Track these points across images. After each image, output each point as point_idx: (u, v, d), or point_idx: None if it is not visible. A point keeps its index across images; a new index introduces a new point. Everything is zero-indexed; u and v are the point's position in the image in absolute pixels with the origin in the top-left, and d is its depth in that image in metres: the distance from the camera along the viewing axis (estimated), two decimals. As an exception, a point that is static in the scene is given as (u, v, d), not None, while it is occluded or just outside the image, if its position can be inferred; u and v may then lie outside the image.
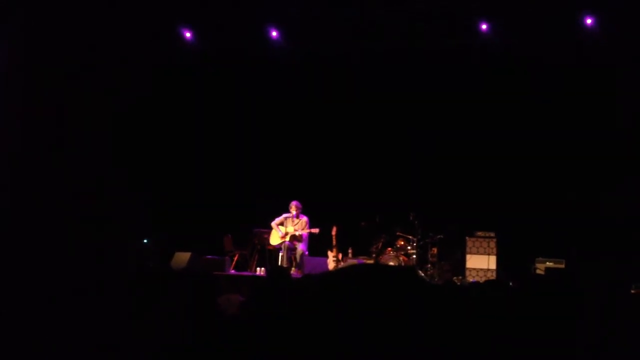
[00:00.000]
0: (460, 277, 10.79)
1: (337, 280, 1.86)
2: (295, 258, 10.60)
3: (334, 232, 10.44)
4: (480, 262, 10.89)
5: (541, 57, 11.20)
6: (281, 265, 10.27)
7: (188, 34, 12.23)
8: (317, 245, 10.89)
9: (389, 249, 10.86)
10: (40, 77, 10.89)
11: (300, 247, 10.62)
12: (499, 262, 10.82)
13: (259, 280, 9.88)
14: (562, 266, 10.17)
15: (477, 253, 10.96)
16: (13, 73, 10.64)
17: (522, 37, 11.03)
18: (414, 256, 10.77)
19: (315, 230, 10.55)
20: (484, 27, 11.16)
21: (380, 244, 10.95)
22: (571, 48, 10.95)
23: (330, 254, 10.46)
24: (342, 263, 10.33)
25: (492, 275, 10.63)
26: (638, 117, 10.69)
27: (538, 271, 10.08)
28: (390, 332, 1.76)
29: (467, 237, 11.07)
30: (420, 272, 10.54)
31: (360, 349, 1.71)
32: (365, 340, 1.75)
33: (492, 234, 11.00)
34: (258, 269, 10.96)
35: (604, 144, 10.92)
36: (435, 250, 10.91)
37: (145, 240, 11.41)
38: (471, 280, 10.61)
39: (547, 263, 10.27)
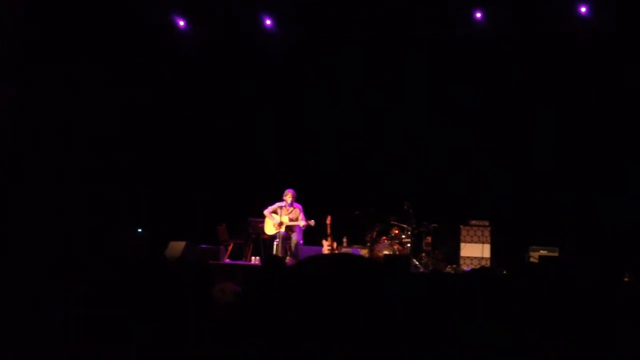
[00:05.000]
0: (454, 266, 10.83)
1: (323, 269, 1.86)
2: (290, 247, 10.59)
3: (328, 221, 10.44)
4: (475, 251, 10.92)
5: (536, 46, 11.21)
6: (276, 255, 10.27)
7: (181, 22, 12.19)
8: (312, 235, 10.89)
9: (384, 237, 10.88)
10: (34, 72, 10.83)
11: (295, 237, 10.62)
12: (493, 251, 10.86)
13: (254, 269, 9.89)
14: (556, 254, 10.21)
15: (472, 241, 10.99)
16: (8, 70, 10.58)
17: (517, 27, 11.03)
18: (409, 245, 10.79)
19: (311, 223, 10.54)
20: (478, 15, 11.16)
21: (375, 233, 10.97)
22: (565, 38, 10.98)
23: (325, 243, 10.47)
24: (336, 252, 10.34)
25: (487, 264, 10.67)
26: (634, 107, 10.72)
27: (532, 259, 10.12)
28: (381, 321, 1.76)
29: (461, 226, 11.09)
30: (414, 260, 10.58)
31: (354, 340, 1.71)
32: (359, 330, 1.75)
33: (487, 223, 11.03)
34: (253, 258, 10.96)
35: (599, 134, 10.96)
36: (429, 239, 10.93)
37: (139, 230, 11.40)
38: (466, 268, 10.66)
39: (541, 251, 10.31)
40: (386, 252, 10.47)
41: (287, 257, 10.36)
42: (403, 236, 10.88)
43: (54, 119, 10.97)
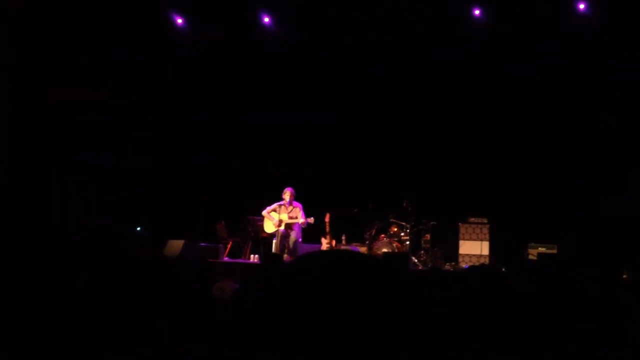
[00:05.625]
0: (453, 263, 10.84)
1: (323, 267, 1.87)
2: (288, 245, 10.59)
3: (327, 219, 10.45)
4: (473, 248, 10.92)
5: (535, 46, 11.22)
6: (274, 253, 10.28)
7: (180, 21, 12.18)
8: (311, 232, 10.90)
9: (383, 235, 10.89)
10: (31, 70, 10.83)
11: (294, 234, 10.62)
12: (492, 248, 10.87)
13: (253, 267, 9.90)
14: (555, 252, 10.22)
15: (470, 239, 10.99)
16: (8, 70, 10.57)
17: (515, 25, 11.02)
18: (407, 242, 10.81)
19: (311, 220, 10.56)
20: (477, 12, 11.16)
21: (374, 231, 10.97)
22: (564, 35, 10.99)
23: (324, 241, 10.48)
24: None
25: (486, 262, 10.67)
26: (633, 107, 10.73)
27: (530, 257, 10.14)
28: (380, 318, 1.77)
29: (460, 223, 11.10)
30: (413, 258, 10.59)
31: (352, 337, 1.73)
32: (357, 327, 1.76)
33: (485, 220, 11.04)
34: (252, 256, 10.97)
35: (598, 133, 10.97)
36: (428, 236, 10.93)
37: (138, 228, 11.40)
38: (464, 266, 10.67)
39: (540, 249, 10.32)
40: (385, 250, 10.48)
41: (285, 255, 10.37)
42: (402, 234, 10.89)
43: (54, 118, 10.97)
